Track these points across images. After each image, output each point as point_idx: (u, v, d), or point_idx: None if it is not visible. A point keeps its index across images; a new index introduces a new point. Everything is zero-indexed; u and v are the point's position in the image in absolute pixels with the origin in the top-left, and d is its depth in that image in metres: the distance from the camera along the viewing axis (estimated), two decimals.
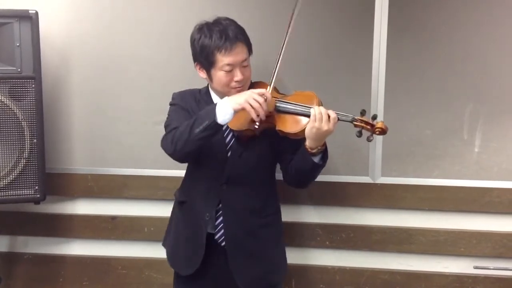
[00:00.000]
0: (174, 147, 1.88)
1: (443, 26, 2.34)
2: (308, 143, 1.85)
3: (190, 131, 1.83)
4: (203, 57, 1.93)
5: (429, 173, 2.42)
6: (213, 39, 1.90)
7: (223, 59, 1.90)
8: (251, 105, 1.78)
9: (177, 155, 1.92)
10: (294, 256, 2.37)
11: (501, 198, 2.39)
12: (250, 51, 1.98)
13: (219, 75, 1.93)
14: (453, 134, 2.39)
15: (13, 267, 2.69)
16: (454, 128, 2.39)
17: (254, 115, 1.78)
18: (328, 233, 2.52)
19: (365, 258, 2.52)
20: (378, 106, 2.37)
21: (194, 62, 2.02)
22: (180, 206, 2.14)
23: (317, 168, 1.91)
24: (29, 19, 2.26)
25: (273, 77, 1.96)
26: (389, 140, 2.38)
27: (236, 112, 1.81)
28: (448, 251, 2.45)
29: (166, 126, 2.02)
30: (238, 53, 1.91)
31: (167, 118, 2.06)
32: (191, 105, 2.03)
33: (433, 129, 2.40)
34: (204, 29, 1.94)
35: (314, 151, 1.85)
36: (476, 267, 2.45)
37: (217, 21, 1.95)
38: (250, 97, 1.79)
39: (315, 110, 1.80)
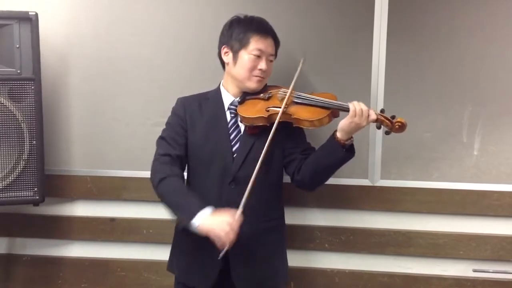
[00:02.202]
0: (157, 190, 1.97)
1: (442, 29, 2.34)
2: (340, 135, 1.92)
3: (168, 207, 1.93)
4: (237, 39, 2.01)
5: (428, 176, 2.42)
6: (253, 25, 2.02)
7: (257, 44, 2.00)
8: (216, 235, 1.80)
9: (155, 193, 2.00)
10: (293, 259, 2.36)
11: (501, 201, 2.39)
12: (276, 52, 2.08)
13: (247, 58, 2.00)
14: (452, 137, 2.39)
15: (12, 269, 2.68)
16: (453, 131, 2.39)
17: (219, 244, 1.81)
18: (327, 236, 2.52)
19: (364, 260, 2.52)
20: (377, 108, 2.37)
21: (221, 47, 2.07)
22: None
23: (345, 161, 1.96)
24: (29, 20, 2.26)
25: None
26: (388, 143, 2.38)
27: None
28: (447, 254, 2.45)
29: (163, 130, 2.09)
30: (269, 45, 2.04)
31: (166, 122, 2.11)
32: (190, 112, 2.06)
33: (432, 132, 2.40)
34: (243, 18, 2.06)
35: (347, 142, 1.92)
36: (475, 270, 2.44)
37: (255, 16, 2.07)
38: (219, 227, 1.80)
39: (356, 106, 1.88)
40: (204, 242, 2.01)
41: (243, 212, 1.95)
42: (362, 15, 2.37)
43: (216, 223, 1.80)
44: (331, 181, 2.33)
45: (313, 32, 2.40)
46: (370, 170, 2.45)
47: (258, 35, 2.00)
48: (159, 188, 1.96)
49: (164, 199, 1.96)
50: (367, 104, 2.35)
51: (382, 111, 1.95)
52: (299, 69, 2.03)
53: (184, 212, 1.88)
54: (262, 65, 2.01)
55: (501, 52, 2.33)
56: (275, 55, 2.08)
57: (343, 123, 1.89)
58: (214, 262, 1.99)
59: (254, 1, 2.40)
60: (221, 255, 1.83)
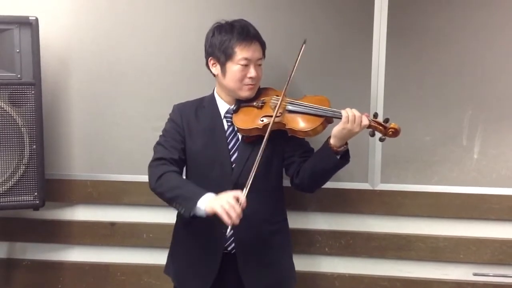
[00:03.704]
0: (155, 188, 1.96)
1: (442, 31, 2.34)
2: (333, 141, 1.90)
3: (169, 199, 1.92)
4: (221, 51, 1.98)
5: (428, 180, 2.42)
6: (234, 34, 1.97)
7: (242, 53, 1.96)
8: (224, 209, 1.75)
9: (153, 191, 1.99)
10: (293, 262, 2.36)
11: (501, 204, 2.39)
12: (264, 53, 2.04)
13: (234, 69, 1.97)
14: (452, 141, 2.39)
15: (12, 273, 2.68)
16: (453, 135, 2.39)
17: (225, 218, 1.74)
18: (327, 240, 2.51)
19: (364, 264, 2.52)
20: (377, 112, 2.37)
21: (208, 58, 2.05)
22: (186, 226, 2.10)
23: (339, 167, 1.95)
24: (29, 25, 2.27)
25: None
26: (388, 146, 2.38)
27: (208, 214, 1.81)
28: (447, 257, 2.45)
29: (159, 136, 2.09)
30: (255, 50, 1.99)
31: (163, 129, 2.10)
32: (187, 119, 2.06)
33: (432, 135, 2.40)
34: (225, 25, 2.01)
35: (340, 149, 1.90)
36: (475, 274, 2.44)
37: (236, 21, 2.03)
38: (224, 201, 1.76)
39: (349, 112, 1.86)
40: (199, 249, 2.02)
41: (246, 217, 1.96)
42: (361, 17, 2.37)
43: (222, 198, 1.78)
44: (331, 185, 2.34)
45: (312, 34, 2.39)
46: (370, 174, 2.45)
47: (242, 43, 1.95)
48: (157, 186, 1.95)
49: (164, 195, 1.93)
50: (367, 107, 2.37)
51: (375, 115, 1.94)
52: (300, 52, 2.01)
53: (188, 200, 1.85)
54: (252, 72, 1.98)
55: (501, 55, 2.33)
56: (263, 56, 2.05)
57: (336, 130, 1.88)
58: (209, 269, 2.01)
59: (253, 4, 2.41)
60: (228, 231, 1.77)
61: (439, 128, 2.39)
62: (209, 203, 1.80)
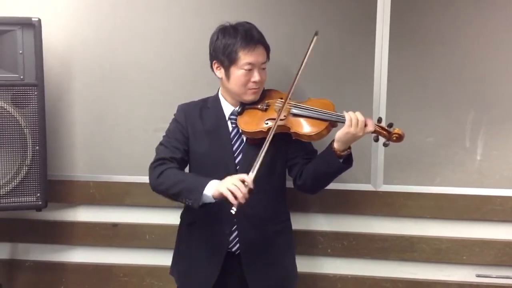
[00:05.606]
0: (156, 186, 1.96)
1: (445, 33, 2.34)
2: (337, 145, 1.89)
3: (174, 195, 1.90)
4: (225, 55, 1.97)
5: (431, 181, 2.42)
6: (238, 38, 1.95)
7: (246, 58, 1.94)
8: (229, 190, 1.75)
9: (155, 191, 1.99)
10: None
11: (504, 206, 2.39)
12: (268, 56, 2.04)
13: (238, 74, 1.97)
14: (455, 142, 2.39)
15: (14, 274, 2.69)
16: (456, 136, 2.39)
17: (231, 198, 1.73)
18: (330, 241, 2.51)
19: (367, 266, 2.52)
20: (379, 114, 2.37)
21: (212, 61, 2.05)
22: (189, 227, 2.11)
23: (342, 171, 1.95)
24: (32, 26, 2.27)
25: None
26: (390, 148, 2.36)
27: (216, 199, 1.81)
28: (450, 259, 2.45)
29: (163, 137, 2.09)
30: (259, 54, 1.98)
31: (167, 129, 2.10)
32: (192, 119, 2.06)
33: (435, 137, 2.40)
34: (228, 29, 2.00)
35: (343, 153, 1.90)
36: (478, 275, 2.44)
37: (240, 24, 2.01)
38: (229, 182, 1.77)
39: (352, 116, 1.85)
40: (203, 249, 2.03)
41: (251, 217, 1.99)
42: (364, 19, 2.37)
43: (228, 180, 1.78)
44: (334, 186, 2.33)
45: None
46: (373, 175, 2.44)
47: (246, 48, 1.93)
48: (157, 185, 1.94)
49: (168, 192, 1.92)
50: (369, 109, 2.37)
51: (379, 120, 1.93)
52: (311, 45, 1.98)
53: (193, 191, 1.84)
54: (256, 77, 1.97)
55: (504, 56, 2.33)
56: (268, 59, 2.04)
57: (339, 134, 1.87)
58: (212, 269, 2.02)
59: (256, 7, 2.41)
60: (233, 209, 1.73)
61: (441, 130, 2.39)
62: (215, 188, 1.80)
